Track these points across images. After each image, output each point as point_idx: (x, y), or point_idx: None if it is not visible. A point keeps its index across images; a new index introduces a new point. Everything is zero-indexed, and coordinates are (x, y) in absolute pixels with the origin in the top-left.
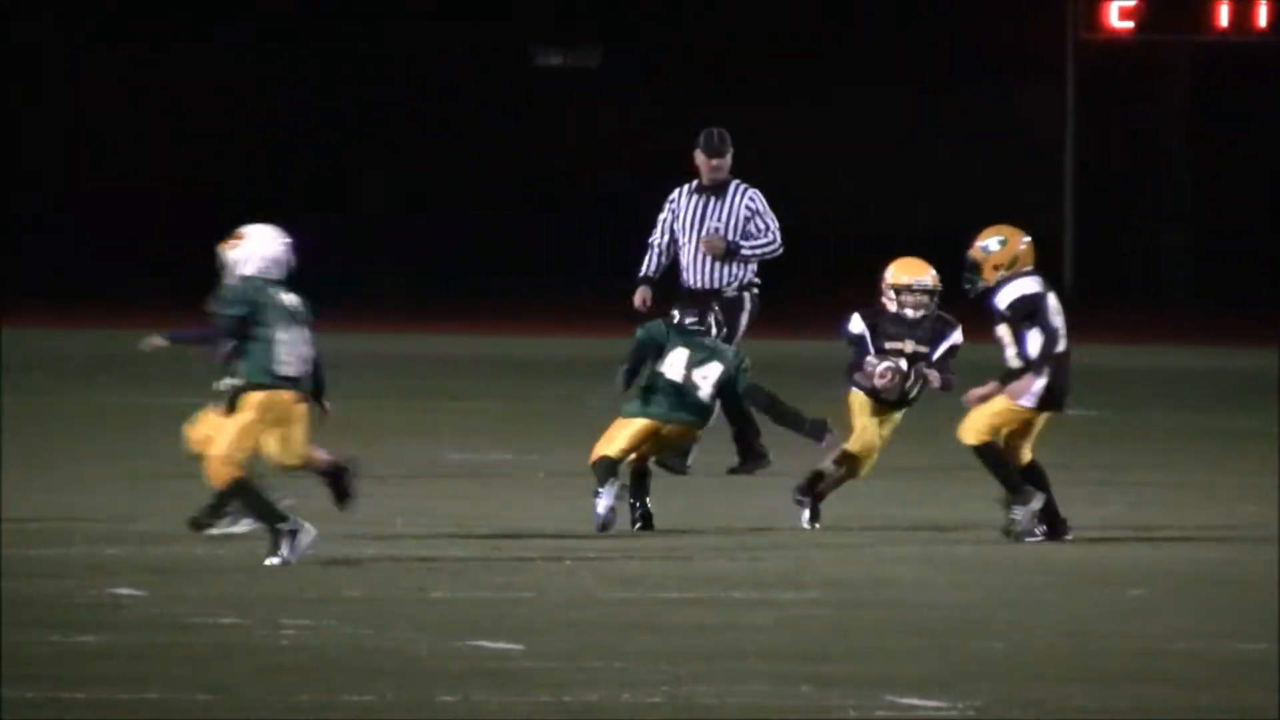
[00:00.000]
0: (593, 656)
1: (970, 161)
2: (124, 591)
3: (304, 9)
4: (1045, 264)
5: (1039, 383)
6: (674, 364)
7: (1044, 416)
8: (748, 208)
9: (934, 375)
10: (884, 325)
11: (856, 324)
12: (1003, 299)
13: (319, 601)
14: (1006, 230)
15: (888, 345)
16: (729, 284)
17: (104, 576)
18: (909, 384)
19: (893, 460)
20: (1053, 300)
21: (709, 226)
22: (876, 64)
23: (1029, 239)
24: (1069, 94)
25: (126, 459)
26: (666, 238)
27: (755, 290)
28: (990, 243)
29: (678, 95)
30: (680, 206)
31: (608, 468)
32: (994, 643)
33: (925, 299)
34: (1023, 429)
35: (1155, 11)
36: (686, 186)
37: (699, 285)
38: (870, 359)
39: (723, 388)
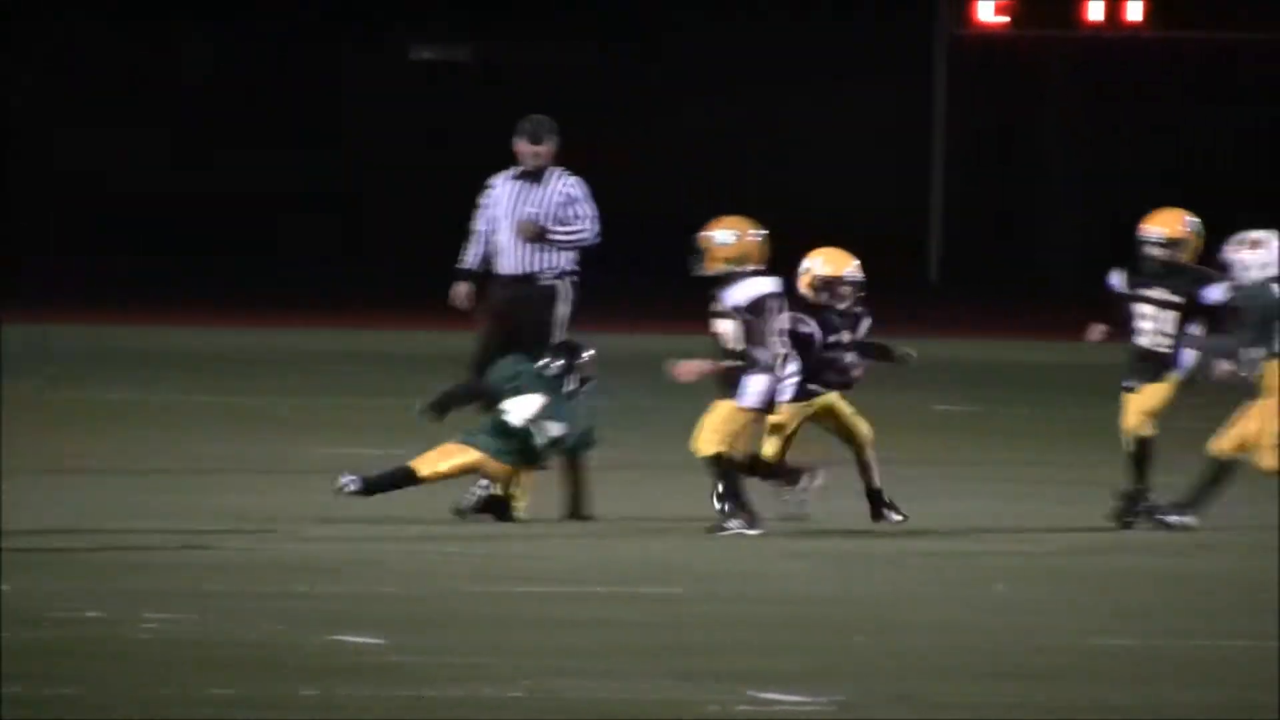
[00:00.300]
0: (454, 651)
1: (842, 154)
2: None
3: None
4: (914, 257)
5: (764, 384)
6: (523, 408)
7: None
8: (566, 194)
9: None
10: (826, 319)
11: (804, 324)
12: (739, 295)
13: (181, 595)
14: (740, 224)
15: (831, 338)
16: (544, 271)
17: None
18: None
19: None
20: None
21: (524, 211)
22: (752, 59)
23: (762, 234)
24: (938, 88)
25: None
26: (487, 225)
27: (574, 279)
28: (723, 234)
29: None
30: (499, 192)
31: (408, 478)
32: (857, 637)
33: (851, 289)
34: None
35: (1028, 6)
36: (505, 173)
37: (514, 271)
38: (850, 358)
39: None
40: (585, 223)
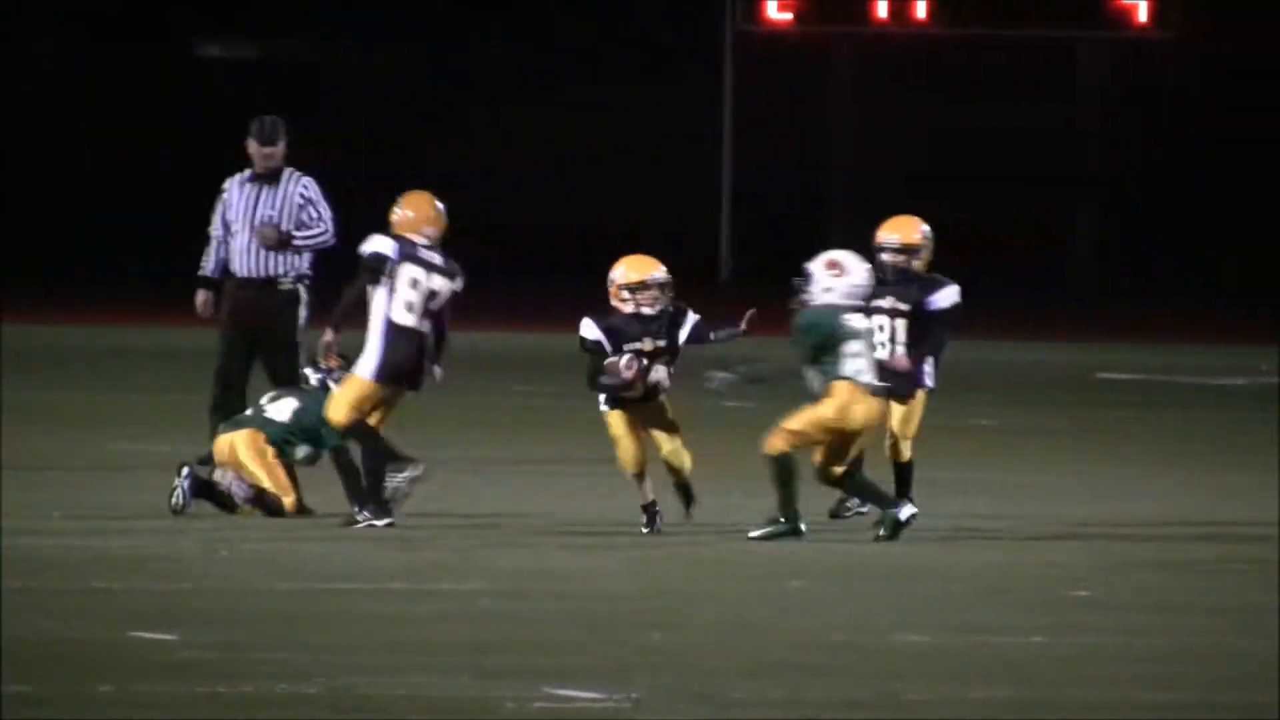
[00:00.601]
0: (250, 647)
1: (635, 154)
2: None
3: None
4: (701, 253)
5: (377, 357)
6: (283, 408)
7: (397, 392)
8: (301, 195)
9: (663, 374)
10: (620, 326)
11: (591, 329)
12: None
13: None
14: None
15: (626, 346)
16: (284, 274)
17: None
18: (651, 379)
19: (553, 453)
20: (418, 271)
21: (262, 215)
22: (552, 62)
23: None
24: (726, 86)
25: None
26: (223, 229)
27: (308, 281)
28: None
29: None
30: (233, 196)
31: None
32: (654, 634)
33: (658, 293)
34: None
35: (814, 4)
36: (239, 176)
37: (252, 275)
38: (611, 359)
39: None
40: (324, 224)
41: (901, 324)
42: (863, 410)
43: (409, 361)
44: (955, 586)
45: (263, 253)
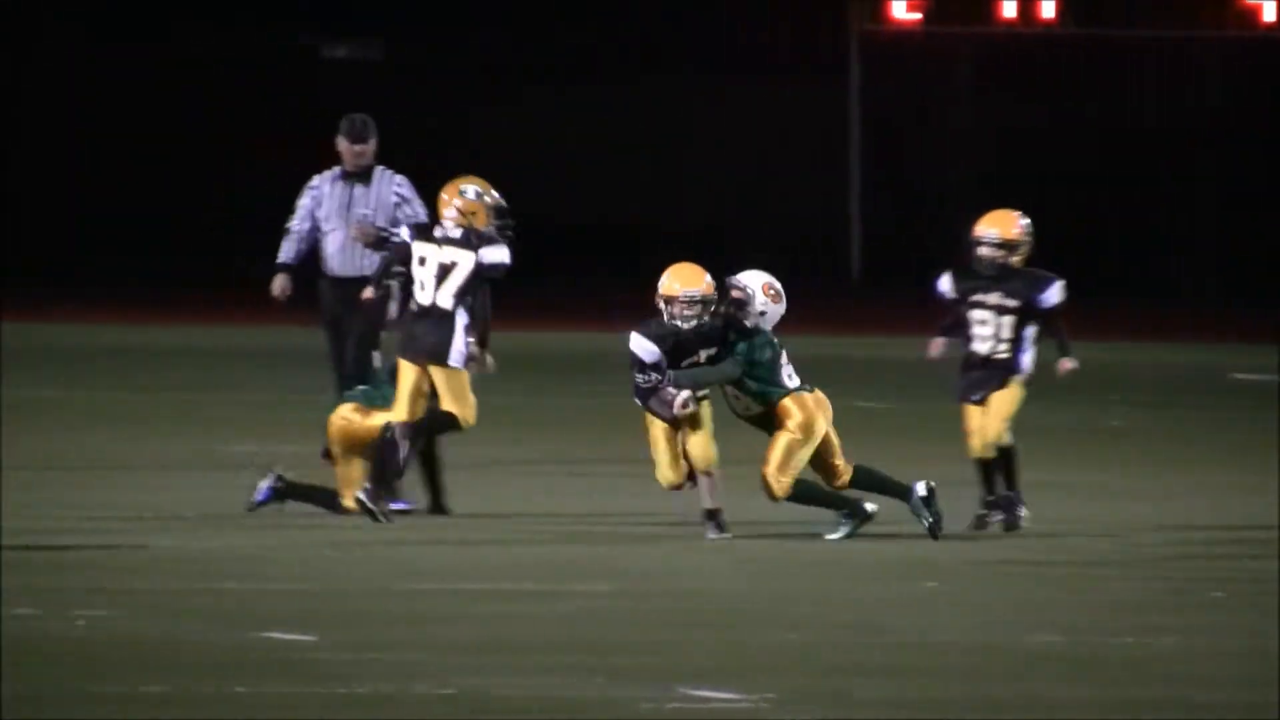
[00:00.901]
0: (385, 647)
1: (748, 156)
2: None
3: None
4: (833, 253)
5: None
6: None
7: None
8: (396, 193)
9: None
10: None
11: (643, 344)
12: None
13: (112, 592)
14: None
15: (685, 363)
16: (377, 272)
17: None
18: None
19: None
20: (426, 249)
21: (358, 213)
22: (657, 56)
23: None
24: (852, 87)
25: None
26: (308, 224)
27: (400, 279)
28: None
29: (458, 90)
30: (324, 193)
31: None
32: (789, 634)
33: (699, 309)
34: None
35: (941, 3)
36: (329, 174)
37: (348, 273)
38: (670, 389)
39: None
40: (419, 221)
41: (1009, 320)
42: (820, 414)
43: (430, 337)
44: (1086, 586)
45: (357, 250)
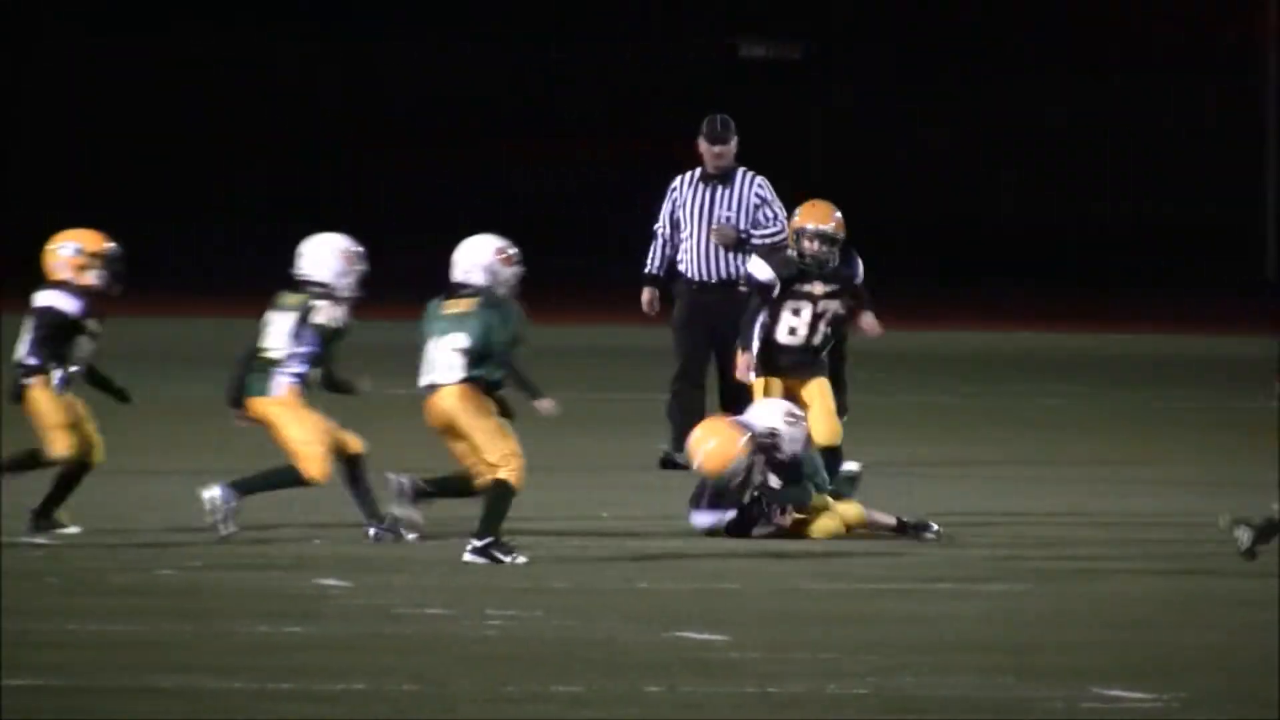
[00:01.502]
0: (798, 647)
1: (1157, 151)
2: (330, 583)
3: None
4: (1249, 251)
5: None
6: None
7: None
8: (757, 195)
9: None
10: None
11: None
12: None
13: (525, 592)
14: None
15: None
16: (739, 276)
17: (309, 569)
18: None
19: (1081, 452)
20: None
21: (719, 215)
22: (1072, 53)
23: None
24: (1270, 81)
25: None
26: (670, 228)
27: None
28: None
29: (879, 87)
30: (684, 196)
31: None
32: (1207, 634)
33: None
34: None
35: None
36: (689, 175)
37: (710, 278)
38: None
39: None
40: (779, 223)
41: None
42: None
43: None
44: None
45: (718, 254)
